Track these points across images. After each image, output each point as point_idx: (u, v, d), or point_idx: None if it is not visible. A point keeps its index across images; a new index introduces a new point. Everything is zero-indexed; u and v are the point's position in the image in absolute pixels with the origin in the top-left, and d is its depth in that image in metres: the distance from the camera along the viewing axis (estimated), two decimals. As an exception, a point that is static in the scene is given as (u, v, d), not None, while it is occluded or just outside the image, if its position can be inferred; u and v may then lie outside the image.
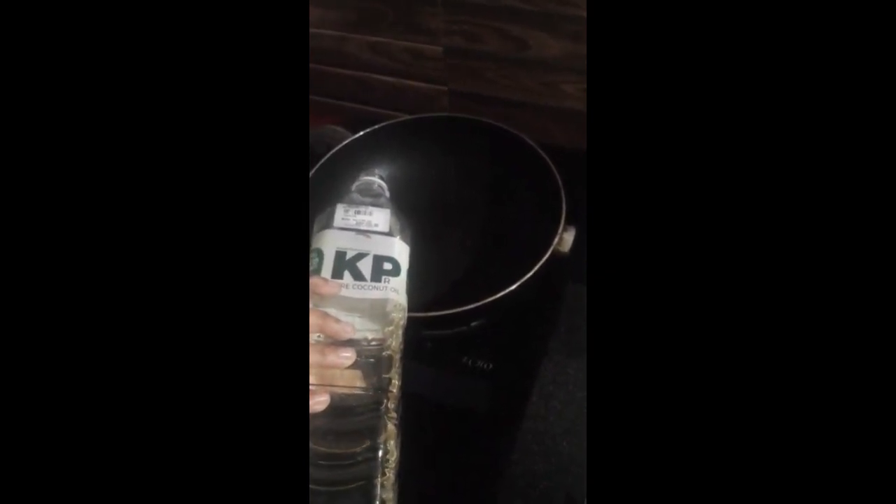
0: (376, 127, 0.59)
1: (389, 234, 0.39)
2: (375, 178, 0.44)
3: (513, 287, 0.46)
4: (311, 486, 0.31)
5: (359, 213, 0.39)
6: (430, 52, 0.68)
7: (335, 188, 0.58)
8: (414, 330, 0.45)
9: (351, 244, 0.37)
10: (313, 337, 0.33)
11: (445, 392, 0.51)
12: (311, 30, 0.73)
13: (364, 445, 0.32)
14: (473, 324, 0.52)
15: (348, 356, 0.33)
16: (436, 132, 0.60)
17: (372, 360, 0.34)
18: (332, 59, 0.75)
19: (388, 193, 0.44)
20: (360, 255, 0.37)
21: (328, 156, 0.57)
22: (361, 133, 0.59)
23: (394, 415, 0.34)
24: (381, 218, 0.39)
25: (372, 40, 0.71)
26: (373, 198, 0.42)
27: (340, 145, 0.57)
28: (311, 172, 0.55)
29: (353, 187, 0.43)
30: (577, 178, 0.54)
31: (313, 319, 0.33)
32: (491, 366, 0.50)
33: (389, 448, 0.33)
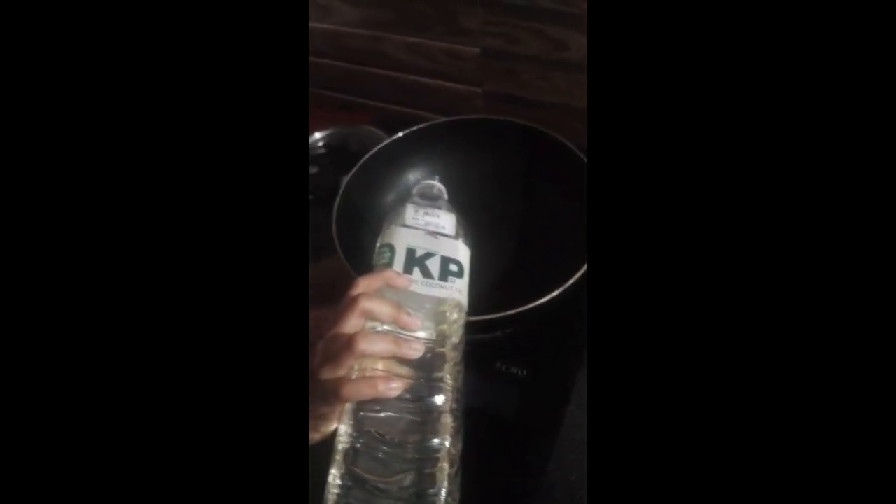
0: (414, 129, 0.59)
1: (455, 237, 0.40)
2: (436, 182, 0.44)
3: (549, 297, 0.46)
4: (364, 475, 0.31)
5: (427, 214, 0.40)
6: (466, 53, 0.68)
7: (374, 189, 0.59)
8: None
9: (421, 243, 0.38)
10: (383, 326, 0.34)
11: (478, 396, 0.50)
12: (348, 29, 0.73)
13: (414, 438, 0.33)
14: (508, 330, 0.52)
15: (418, 349, 0.33)
16: (474, 134, 0.60)
17: (428, 355, 0.34)
18: (369, 58, 0.75)
19: (446, 196, 0.44)
20: (429, 255, 0.37)
21: (366, 157, 0.57)
22: (400, 134, 0.59)
23: (449, 410, 0.34)
24: (447, 221, 0.40)
25: (409, 41, 0.71)
26: (433, 200, 0.42)
27: (378, 146, 0.58)
28: (350, 174, 0.55)
29: (415, 191, 0.44)
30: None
31: (386, 309, 0.34)
32: (525, 372, 0.50)
33: (444, 442, 0.33)
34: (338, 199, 0.53)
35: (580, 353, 0.50)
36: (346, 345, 0.32)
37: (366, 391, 0.31)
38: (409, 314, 0.34)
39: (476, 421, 0.49)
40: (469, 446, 0.49)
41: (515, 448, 0.47)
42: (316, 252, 0.53)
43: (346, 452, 0.32)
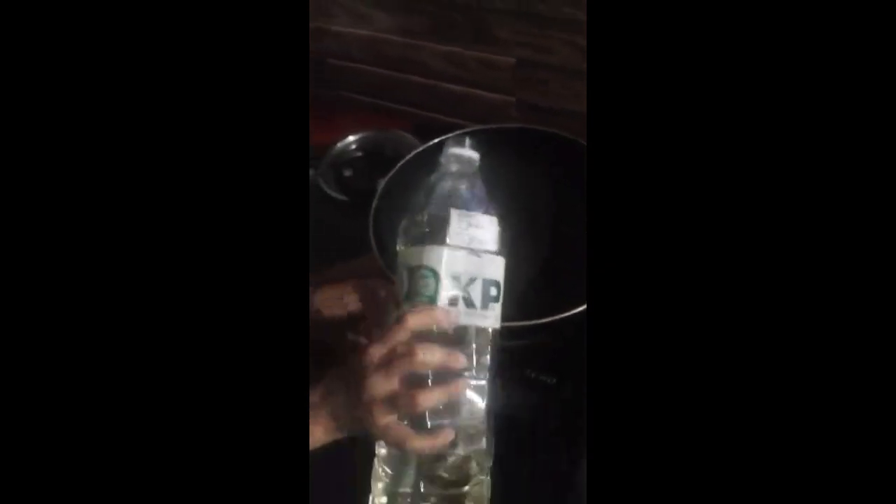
0: (452, 135, 0.60)
1: (497, 252, 0.40)
2: (478, 180, 0.43)
3: (579, 308, 0.46)
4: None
5: (471, 225, 0.39)
6: (500, 62, 0.69)
7: (410, 192, 0.59)
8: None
9: (464, 267, 0.37)
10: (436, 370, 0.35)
11: (509, 403, 0.51)
12: (385, 35, 0.75)
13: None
14: (538, 338, 0.53)
15: (464, 362, 0.35)
16: (508, 142, 0.60)
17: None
18: (405, 65, 0.77)
19: (482, 189, 0.44)
20: (472, 280, 0.37)
21: (401, 163, 0.58)
22: (436, 140, 0.60)
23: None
24: (490, 233, 0.40)
25: (444, 49, 0.72)
26: (478, 200, 0.42)
27: (417, 150, 0.59)
28: (388, 176, 0.56)
29: (446, 156, 0.43)
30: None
31: (437, 355, 0.34)
32: (555, 380, 0.51)
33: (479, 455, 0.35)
34: (375, 201, 0.54)
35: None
36: (405, 353, 0.33)
37: (431, 444, 0.33)
38: (457, 356, 0.35)
39: (506, 427, 0.50)
40: (500, 452, 0.49)
41: (545, 455, 0.47)
42: (351, 252, 0.54)
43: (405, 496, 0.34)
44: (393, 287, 0.39)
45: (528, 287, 0.54)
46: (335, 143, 0.74)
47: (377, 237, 0.51)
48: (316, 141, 0.74)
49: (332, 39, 0.79)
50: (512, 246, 0.58)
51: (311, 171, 0.70)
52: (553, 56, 0.65)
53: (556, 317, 0.46)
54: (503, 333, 0.48)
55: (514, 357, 0.52)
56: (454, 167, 0.42)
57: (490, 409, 0.37)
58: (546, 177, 0.60)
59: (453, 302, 0.36)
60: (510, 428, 0.50)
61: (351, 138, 0.74)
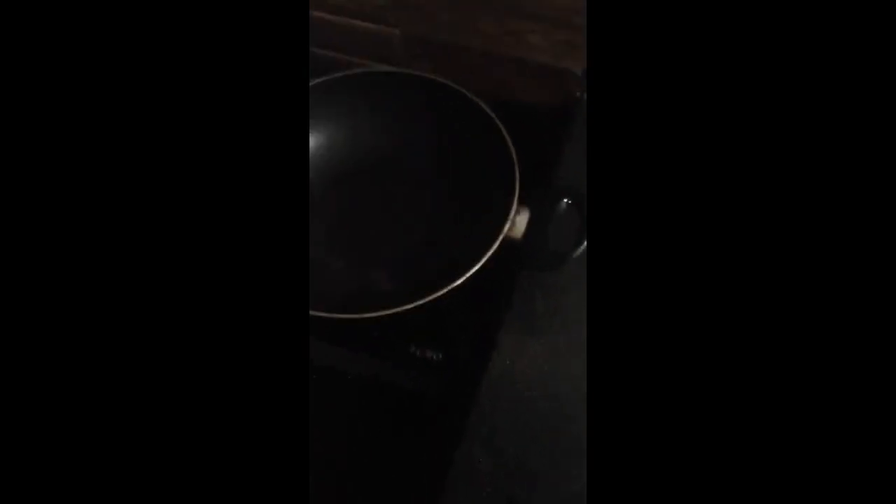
0: (314, 83, 0.52)
1: None
2: None
3: (459, 282, 0.43)
4: None
5: None
6: (379, -11, 0.60)
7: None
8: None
9: None
10: None
11: (395, 381, 0.49)
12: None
13: None
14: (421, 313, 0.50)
15: None
16: (379, 90, 0.54)
17: None
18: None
19: None
20: None
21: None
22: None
23: None
24: None
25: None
26: None
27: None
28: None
29: None
30: (533, 150, 0.50)
31: None
32: (440, 355, 0.48)
33: None
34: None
35: (493, 333, 0.49)
36: None
37: None
38: None
39: (393, 404, 0.48)
40: (387, 428, 0.48)
41: (431, 429, 0.46)
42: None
43: None
44: None
45: (403, 262, 0.51)
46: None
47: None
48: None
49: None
50: (385, 211, 0.54)
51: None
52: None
53: (430, 296, 0.43)
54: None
55: (399, 335, 0.49)
56: None
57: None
58: (427, 132, 0.54)
59: None
60: (396, 407, 0.49)
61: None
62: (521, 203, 0.46)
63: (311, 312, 0.41)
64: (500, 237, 0.44)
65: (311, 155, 0.53)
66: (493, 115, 0.49)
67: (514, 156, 0.47)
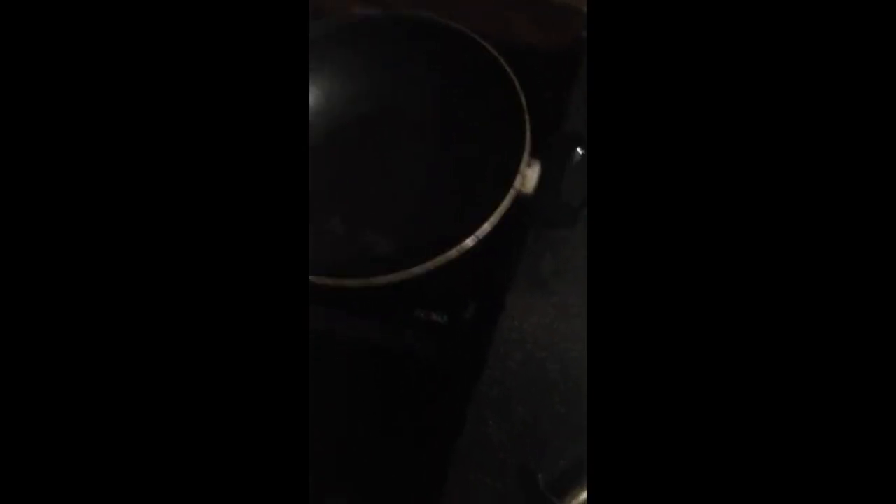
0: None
1: None
2: None
3: (469, 244, 0.40)
4: None
5: None
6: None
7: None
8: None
9: None
10: None
11: (400, 343, 0.47)
12: None
13: None
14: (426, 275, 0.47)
15: None
16: (377, 37, 0.49)
17: None
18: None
19: None
20: None
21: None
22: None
23: None
24: None
25: None
26: None
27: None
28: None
29: None
30: (544, 98, 0.46)
31: None
32: (445, 318, 0.46)
33: None
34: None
35: (501, 294, 0.46)
36: None
37: None
38: None
39: (398, 367, 0.47)
40: (393, 395, 0.46)
41: (440, 395, 0.45)
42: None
43: None
44: None
45: (408, 221, 0.48)
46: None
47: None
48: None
49: None
50: (386, 167, 0.51)
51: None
52: None
53: (436, 259, 0.41)
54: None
55: (404, 297, 0.47)
56: None
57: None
58: (429, 79, 0.50)
59: None
60: (402, 374, 0.47)
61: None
62: (532, 154, 0.43)
63: (312, 278, 0.38)
64: (511, 193, 0.41)
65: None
66: (499, 57, 0.45)
67: (524, 102, 0.44)
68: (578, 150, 0.45)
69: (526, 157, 0.43)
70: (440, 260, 0.40)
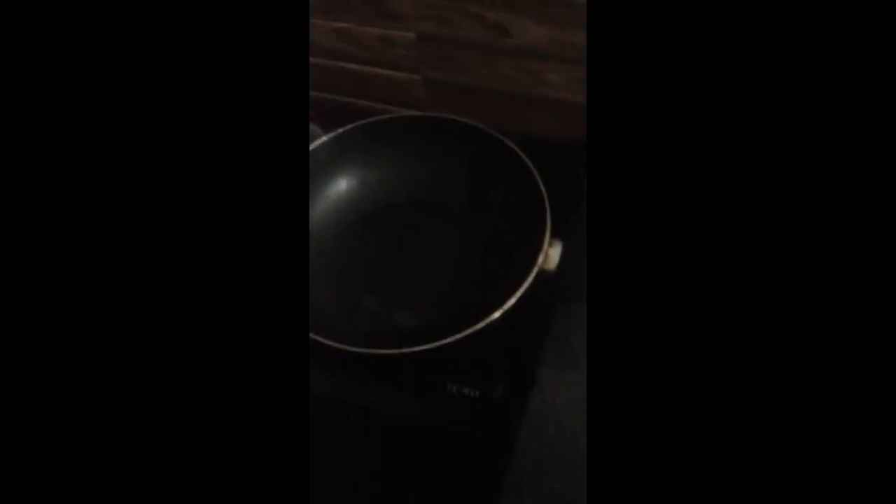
0: (340, 132, 0.54)
1: None
2: None
3: (496, 316, 0.43)
4: None
5: None
6: (401, 38, 0.62)
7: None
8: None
9: None
10: None
11: (431, 419, 0.48)
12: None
13: None
14: (459, 349, 0.49)
15: None
16: (410, 133, 0.55)
17: None
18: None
19: None
20: None
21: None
22: (323, 139, 0.54)
23: None
24: None
25: (336, 26, 0.64)
26: None
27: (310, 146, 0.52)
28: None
29: None
30: (562, 184, 0.50)
31: None
32: (477, 393, 0.47)
33: None
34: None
35: (532, 368, 0.48)
36: None
37: None
38: None
39: (430, 442, 0.47)
40: (427, 471, 0.46)
41: (468, 477, 0.45)
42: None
43: None
44: None
45: (437, 298, 0.50)
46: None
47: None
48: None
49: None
50: (419, 248, 0.54)
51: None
52: (455, 30, 0.59)
53: (466, 331, 0.43)
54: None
55: (436, 372, 0.49)
56: None
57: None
58: (455, 169, 0.55)
59: None
60: (436, 449, 0.47)
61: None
62: (554, 235, 0.46)
63: (346, 347, 0.41)
64: (535, 270, 0.44)
65: (343, 197, 0.55)
66: (518, 150, 0.50)
67: (543, 188, 0.48)
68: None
69: (547, 236, 0.46)
70: (469, 332, 0.42)
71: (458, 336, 0.42)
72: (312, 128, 0.65)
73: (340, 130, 0.54)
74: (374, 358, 0.43)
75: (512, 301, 0.43)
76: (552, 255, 0.46)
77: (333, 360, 0.48)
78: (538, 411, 0.45)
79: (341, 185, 0.55)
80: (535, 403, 0.45)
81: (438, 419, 0.48)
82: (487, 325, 0.42)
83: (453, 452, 0.46)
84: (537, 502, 0.41)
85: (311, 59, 0.69)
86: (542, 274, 0.46)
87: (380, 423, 0.48)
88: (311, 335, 0.41)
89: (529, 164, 0.49)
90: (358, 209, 0.55)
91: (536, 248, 0.46)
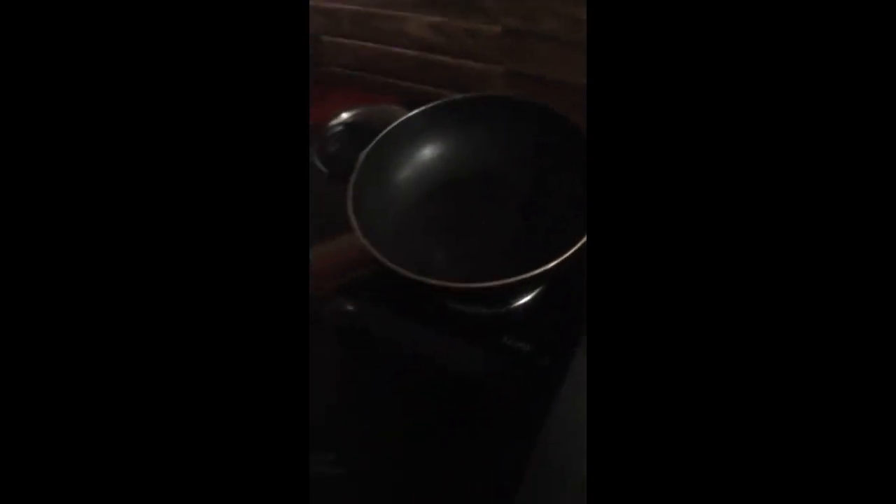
0: (427, 107, 0.61)
1: None
2: None
3: (549, 266, 0.46)
4: None
5: None
6: (487, 31, 0.69)
7: (391, 164, 0.61)
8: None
9: None
10: None
11: (485, 369, 0.52)
12: (374, 10, 0.75)
13: None
14: (516, 303, 0.54)
15: None
16: (484, 111, 0.61)
17: None
18: (392, 38, 0.77)
19: None
20: None
21: (382, 134, 0.59)
22: (413, 112, 0.60)
23: None
24: None
25: (432, 20, 0.72)
26: None
27: (395, 123, 0.59)
28: (367, 149, 0.57)
29: None
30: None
31: None
32: (530, 347, 0.51)
33: None
34: (354, 175, 0.55)
35: (578, 334, 0.51)
36: None
37: None
38: None
39: (484, 391, 0.51)
40: (477, 415, 0.50)
41: (519, 416, 0.49)
42: (333, 226, 0.56)
43: None
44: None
45: (504, 250, 0.55)
46: (329, 120, 0.75)
47: (357, 212, 0.52)
48: (312, 118, 0.75)
49: (324, 17, 0.80)
50: (488, 210, 0.60)
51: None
52: (539, 25, 0.64)
53: (525, 275, 0.46)
54: (479, 295, 0.49)
55: (492, 325, 0.53)
56: None
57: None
58: (523, 143, 0.60)
59: None
60: (484, 392, 0.52)
61: (344, 116, 0.75)
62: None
63: (423, 279, 0.46)
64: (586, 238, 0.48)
65: (425, 164, 0.61)
66: (581, 130, 0.55)
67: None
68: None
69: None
70: (525, 276, 0.46)
71: (516, 279, 0.46)
72: (398, 109, 0.72)
73: (428, 106, 0.60)
74: (441, 292, 0.48)
75: (570, 252, 0.46)
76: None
77: (399, 302, 0.54)
78: (581, 370, 0.48)
79: (426, 154, 0.62)
80: (577, 365, 0.49)
81: (487, 368, 0.52)
82: (542, 273, 0.46)
83: (497, 400, 0.50)
84: (571, 459, 0.44)
85: (404, 51, 0.77)
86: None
87: (432, 366, 0.52)
88: (387, 263, 0.47)
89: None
90: (436, 175, 0.61)
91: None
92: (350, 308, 0.57)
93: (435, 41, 0.74)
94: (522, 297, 0.54)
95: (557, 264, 0.46)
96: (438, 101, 0.60)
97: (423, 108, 0.60)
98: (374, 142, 0.58)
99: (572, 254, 0.46)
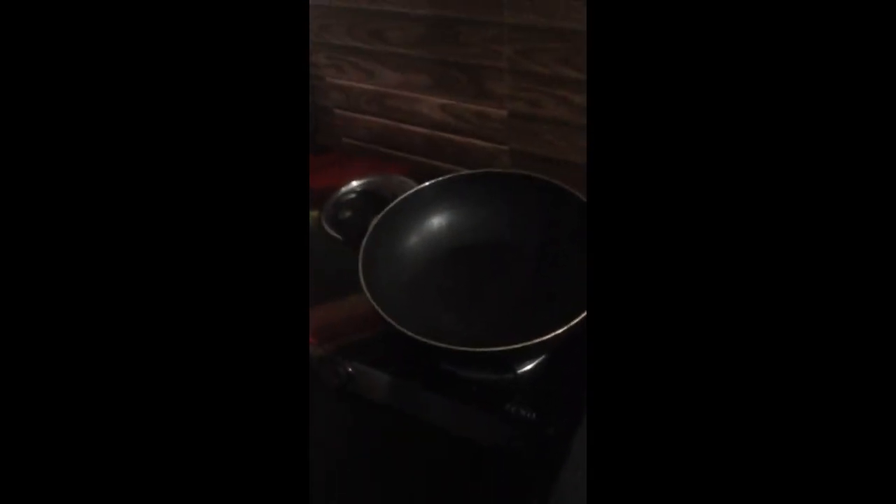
0: (440, 179, 0.64)
1: None
2: None
3: (549, 336, 0.47)
4: None
5: None
6: (495, 114, 0.74)
7: (400, 232, 0.63)
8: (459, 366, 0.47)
9: None
10: None
11: (490, 436, 0.52)
12: (391, 90, 0.80)
13: None
14: (520, 371, 0.54)
15: None
16: (491, 186, 0.64)
17: None
18: (406, 116, 0.82)
19: None
20: None
21: (394, 202, 0.62)
22: (426, 184, 0.64)
23: None
24: None
25: (443, 102, 0.77)
26: None
27: (406, 194, 0.62)
28: (379, 216, 0.60)
29: None
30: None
31: None
32: (534, 415, 0.52)
33: None
34: (365, 240, 0.57)
35: (583, 401, 0.52)
36: None
37: None
38: None
39: (487, 459, 0.51)
40: (480, 482, 0.50)
41: (521, 485, 0.48)
42: (345, 288, 0.57)
43: None
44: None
45: (509, 319, 0.57)
46: (340, 188, 0.79)
47: (366, 275, 0.54)
48: (325, 185, 0.79)
49: (340, 93, 0.85)
50: (494, 277, 0.61)
51: (317, 213, 0.74)
52: (543, 110, 0.69)
53: (530, 342, 0.47)
54: (485, 361, 0.49)
55: (496, 392, 0.54)
56: None
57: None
58: (528, 217, 0.63)
59: None
60: (491, 460, 0.51)
61: (354, 183, 0.79)
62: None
63: (427, 341, 0.47)
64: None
65: (435, 232, 0.64)
66: (581, 197, 0.58)
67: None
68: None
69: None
70: (535, 342, 0.47)
71: (517, 346, 0.47)
72: (408, 180, 0.76)
73: (440, 179, 0.64)
74: (447, 354, 0.49)
75: (568, 326, 0.48)
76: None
77: (401, 365, 0.54)
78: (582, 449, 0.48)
79: (434, 223, 0.65)
80: (583, 435, 0.49)
81: (494, 436, 0.52)
82: (543, 342, 0.47)
83: (504, 467, 0.49)
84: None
85: (417, 129, 0.82)
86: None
87: (436, 431, 0.52)
88: (397, 326, 0.48)
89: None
90: (445, 243, 0.64)
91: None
92: (349, 370, 0.57)
93: (445, 121, 0.79)
94: (526, 364, 0.55)
95: (558, 335, 0.47)
96: (449, 175, 0.64)
97: (434, 180, 0.64)
98: (385, 209, 0.61)
99: (574, 325, 0.48)
